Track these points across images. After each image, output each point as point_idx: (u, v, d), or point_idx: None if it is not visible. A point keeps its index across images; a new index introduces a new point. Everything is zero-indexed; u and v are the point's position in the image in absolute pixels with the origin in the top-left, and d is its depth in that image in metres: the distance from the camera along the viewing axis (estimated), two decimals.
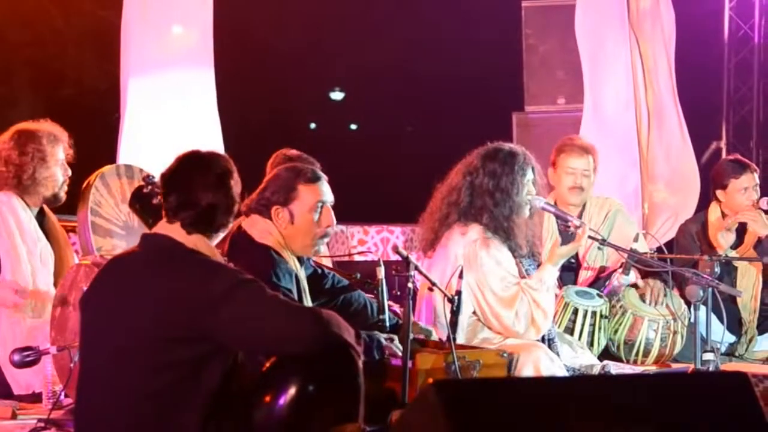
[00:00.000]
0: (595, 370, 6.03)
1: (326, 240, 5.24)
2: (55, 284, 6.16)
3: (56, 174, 6.35)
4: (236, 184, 4.19)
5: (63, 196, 6.43)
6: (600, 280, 7.04)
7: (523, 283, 5.79)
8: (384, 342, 4.94)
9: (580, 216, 7.04)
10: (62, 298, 5.71)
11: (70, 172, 6.42)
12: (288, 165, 5.43)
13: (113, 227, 6.33)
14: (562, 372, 5.64)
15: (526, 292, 5.75)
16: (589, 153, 7.14)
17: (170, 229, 4.13)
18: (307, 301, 5.10)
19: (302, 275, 5.15)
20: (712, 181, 7.52)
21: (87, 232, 6.23)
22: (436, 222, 5.98)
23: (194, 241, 4.10)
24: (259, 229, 5.05)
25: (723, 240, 7.19)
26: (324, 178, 5.20)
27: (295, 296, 4.92)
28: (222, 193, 4.12)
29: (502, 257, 5.82)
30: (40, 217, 6.39)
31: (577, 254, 7.03)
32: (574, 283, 7.05)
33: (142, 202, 5.33)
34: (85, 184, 6.37)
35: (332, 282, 5.52)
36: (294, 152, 6.68)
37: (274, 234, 5.06)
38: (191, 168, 4.17)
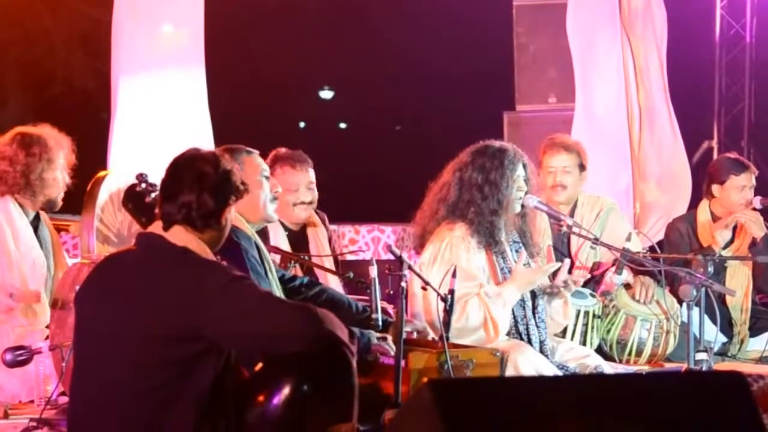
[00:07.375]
0: (588, 370, 6.01)
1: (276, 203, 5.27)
2: (47, 292, 6.17)
3: (59, 177, 6.33)
4: (222, 187, 4.12)
5: (60, 201, 6.41)
6: (594, 278, 7.03)
7: (482, 291, 5.73)
8: (375, 342, 4.91)
9: (571, 214, 7.03)
10: (63, 296, 5.68)
11: (68, 180, 6.40)
12: None
13: (110, 234, 6.30)
14: (554, 372, 5.63)
15: (482, 300, 5.68)
16: (570, 149, 7.12)
17: (161, 228, 4.11)
18: (271, 270, 5.05)
19: (261, 243, 5.10)
20: (708, 176, 7.47)
21: (91, 236, 6.17)
22: (426, 218, 5.97)
23: (185, 240, 4.07)
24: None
25: (720, 238, 7.18)
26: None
27: (257, 258, 4.89)
28: (196, 194, 4.07)
29: (472, 258, 5.78)
30: (36, 223, 6.36)
31: (569, 253, 7.03)
32: None
33: (134, 201, 5.26)
34: (90, 186, 6.31)
35: (301, 280, 5.47)
36: (283, 150, 6.66)
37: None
38: (176, 166, 4.16)
